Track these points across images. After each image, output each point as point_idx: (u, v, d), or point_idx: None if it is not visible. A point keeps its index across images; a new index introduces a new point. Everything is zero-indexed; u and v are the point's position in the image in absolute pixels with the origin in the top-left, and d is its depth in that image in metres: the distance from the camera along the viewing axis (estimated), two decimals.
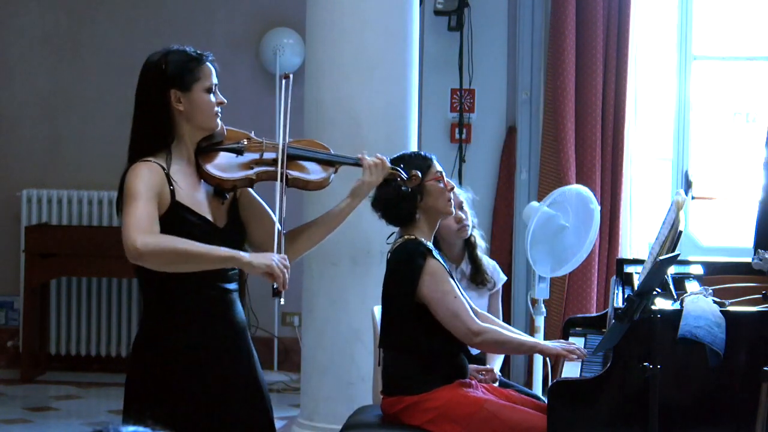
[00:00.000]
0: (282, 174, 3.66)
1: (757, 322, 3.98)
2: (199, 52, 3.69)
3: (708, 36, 7.59)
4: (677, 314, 3.87)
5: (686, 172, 7.35)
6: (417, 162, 4.43)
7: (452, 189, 4.55)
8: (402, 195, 4.28)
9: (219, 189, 3.69)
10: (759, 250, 4.54)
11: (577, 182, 7.24)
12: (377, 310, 5.07)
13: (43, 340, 7.89)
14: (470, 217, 5.21)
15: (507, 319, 6.89)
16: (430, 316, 4.39)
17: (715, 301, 4.02)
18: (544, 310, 6.23)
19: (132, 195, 3.55)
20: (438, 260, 4.43)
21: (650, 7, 7.55)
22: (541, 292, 6.16)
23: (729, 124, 7.73)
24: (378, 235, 5.86)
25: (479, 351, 4.91)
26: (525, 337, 4.69)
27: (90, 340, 7.97)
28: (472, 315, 4.41)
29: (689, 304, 3.96)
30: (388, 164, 3.89)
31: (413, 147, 6.16)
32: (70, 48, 8.06)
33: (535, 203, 6.14)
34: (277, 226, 3.66)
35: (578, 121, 7.33)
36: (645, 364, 3.70)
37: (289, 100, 3.73)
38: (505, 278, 5.50)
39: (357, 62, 5.96)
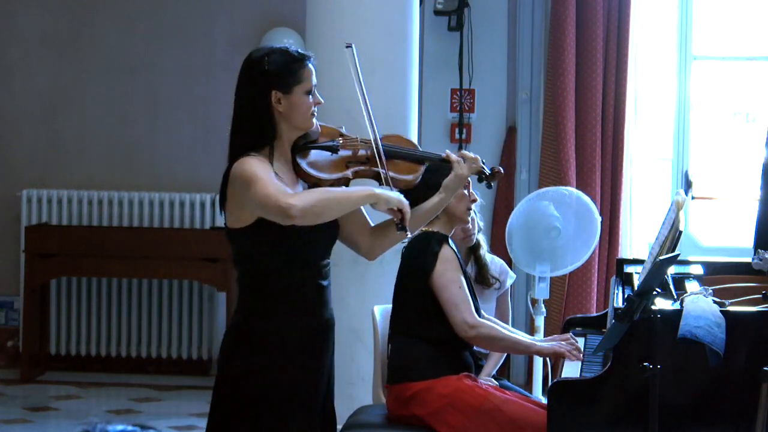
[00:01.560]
0: (385, 177, 3.74)
1: (757, 322, 3.98)
2: (301, 52, 3.75)
3: (708, 36, 7.59)
4: (677, 314, 3.87)
5: (686, 172, 7.35)
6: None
7: (474, 201, 4.65)
8: (427, 187, 4.32)
9: (316, 187, 3.73)
10: (759, 250, 4.54)
11: (577, 182, 7.25)
12: (377, 310, 5.08)
13: (43, 340, 7.89)
14: (477, 223, 5.22)
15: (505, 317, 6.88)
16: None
17: (715, 301, 4.02)
18: (544, 310, 6.23)
19: (252, 177, 3.61)
20: (453, 249, 4.54)
21: (650, 7, 7.55)
22: (541, 292, 6.16)
23: (729, 124, 7.73)
24: None
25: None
26: (522, 337, 4.71)
27: (90, 340, 7.97)
28: (472, 309, 4.47)
29: (689, 304, 3.96)
30: (479, 160, 3.92)
31: (415, 143, 6.15)
32: (70, 48, 8.06)
33: (544, 202, 6.11)
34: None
35: (578, 121, 7.33)
36: (645, 364, 3.70)
37: (360, 71, 3.81)
38: (514, 277, 5.52)
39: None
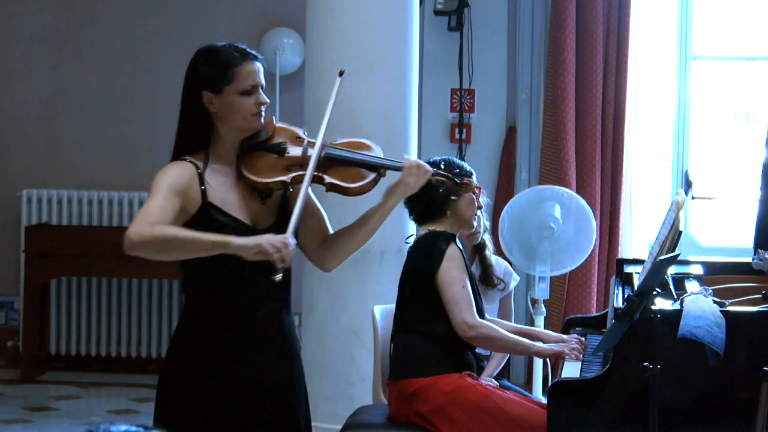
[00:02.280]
0: (309, 177, 3.50)
1: (757, 322, 3.98)
2: (241, 51, 3.58)
3: (708, 36, 7.59)
4: (677, 314, 3.87)
5: (686, 172, 7.34)
6: (463, 169, 4.56)
7: (480, 208, 4.73)
8: (437, 190, 4.31)
9: (254, 191, 3.58)
10: (759, 250, 4.54)
11: (577, 182, 7.26)
12: (377, 309, 5.09)
13: (43, 340, 7.89)
14: (483, 223, 5.23)
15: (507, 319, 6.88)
16: None
17: (715, 301, 4.02)
18: (544, 310, 6.23)
19: (152, 190, 3.51)
20: (459, 248, 4.55)
21: (650, 7, 7.55)
22: (541, 292, 6.16)
23: (729, 124, 7.73)
24: (378, 235, 5.83)
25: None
26: (522, 339, 4.69)
27: (90, 340, 7.97)
28: (473, 309, 4.48)
29: (689, 304, 3.96)
30: (430, 169, 3.64)
31: (413, 147, 6.17)
32: (70, 48, 8.06)
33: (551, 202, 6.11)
34: (291, 226, 3.48)
35: (578, 121, 7.33)
36: (645, 364, 3.70)
37: (335, 97, 3.62)
38: (518, 279, 5.53)
39: (357, 62, 5.95)
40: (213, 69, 3.55)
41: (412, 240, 4.75)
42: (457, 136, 7.59)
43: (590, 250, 6.16)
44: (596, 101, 7.30)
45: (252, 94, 3.56)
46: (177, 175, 3.54)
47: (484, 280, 5.27)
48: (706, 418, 3.96)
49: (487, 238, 5.32)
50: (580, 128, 7.33)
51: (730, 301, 4.13)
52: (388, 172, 3.63)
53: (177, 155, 3.63)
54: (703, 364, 3.81)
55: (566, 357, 4.47)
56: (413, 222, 4.83)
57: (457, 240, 4.60)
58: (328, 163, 3.56)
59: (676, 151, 7.53)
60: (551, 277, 6.26)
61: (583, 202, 6.15)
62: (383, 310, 5.09)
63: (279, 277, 3.37)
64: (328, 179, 3.55)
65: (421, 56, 6.71)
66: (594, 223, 6.14)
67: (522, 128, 7.61)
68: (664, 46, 7.59)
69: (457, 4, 7.40)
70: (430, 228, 4.62)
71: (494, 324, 4.64)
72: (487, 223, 5.32)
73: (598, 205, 7.27)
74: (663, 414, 3.74)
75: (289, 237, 3.40)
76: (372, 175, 3.58)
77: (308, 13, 6.14)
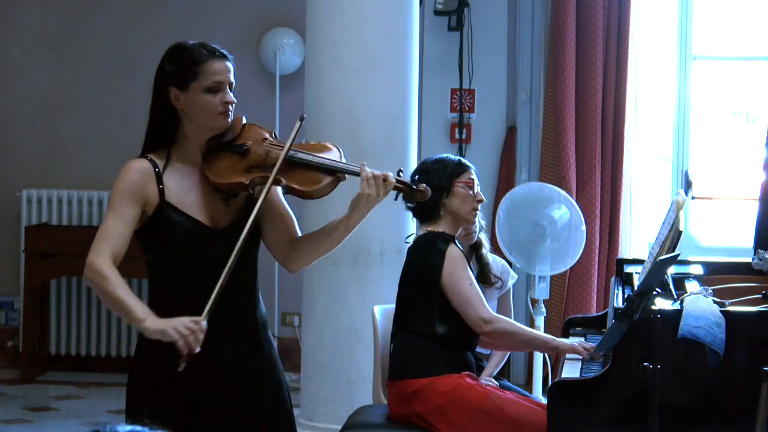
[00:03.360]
0: (270, 181, 3.48)
1: (757, 322, 3.98)
2: (208, 48, 3.58)
3: (708, 36, 7.59)
4: (677, 314, 3.87)
5: (686, 172, 7.34)
6: (451, 165, 4.60)
7: (480, 201, 4.67)
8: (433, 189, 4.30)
9: (216, 191, 3.57)
10: (759, 250, 4.54)
11: (577, 182, 7.26)
12: (377, 309, 5.08)
13: (43, 340, 7.89)
14: (479, 221, 5.21)
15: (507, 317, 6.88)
16: (448, 303, 4.48)
17: (715, 301, 4.02)
18: (544, 310, 6.23)
19: (111, 200, 3.63)
20: (458, 247, 4.55)
21: (650, 7, 7.55)
22: (541, 292, 6.16)
23: (729, 124, 7.73)
24: (378, 235, 5.87)
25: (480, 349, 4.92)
26: (538, 332, 4.70)
27: (90, 340, 7.97)
28: (486, 305, 4.49)
29: (689, 304, 3.96)
30: (392, 180, 3.54)
31: (413, 147, 6.17)
32: (70, 48, 8.06)
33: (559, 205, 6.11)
34: (245, 233, 3.47)
35: (578, 121, 7.33)
36: (645, 364, 3.70)
37: (295, 137, 3.56)
38: (516, 277, 5.52)
39: (357, 62, 5.96)
40: (179, 65, 3.56)
41: (411, 239, 4.73)
42: (457, 136, 7.59)
43: (578, 257, 6.14)
44: (596, 101, 7.30)
45: (218, 92, 3.55)
46: (133, 179, 3.58)
47: (482, 278, 5.26)
48: (706, 418, 3.96)
49: (483, 236, 5.32)
50: (580, 128, 7.33)
51: (730, 301, 4.13)
52: (351, 178, 3.60)
53: (144, 151, 3.65)
54: (703, 364, 3.81)
55: (583, 356, 4.43)
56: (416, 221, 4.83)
57: (456, 240, 4.60)
58: (287, 166, 3.53)
59: (676, 151, 7.53)
60: (551, 277, 6.26)
61: (577, 208, 6.14)
62: (383, 310, 5.09)
63: (181, 367, 3.38)
64: (285, 182, 3.53)
65: (421, 56, 6.71)
66: (584, 228, 6.11)
67: (522, 128, 7.61)
68: (664, 46, 7.59)
69: (457, 4, 7.40)
70: (428, 228, 4.61)
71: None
72: (483, 222, 5.32)
73: (598, 205, 7.27)
74: (663, 414, 3.74)
75: (202, 320, 3.38)
76: (329, 179, 3.53)
77: (308, 13, 6.15)
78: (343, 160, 3.60)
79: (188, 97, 3.54)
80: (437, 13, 7.46)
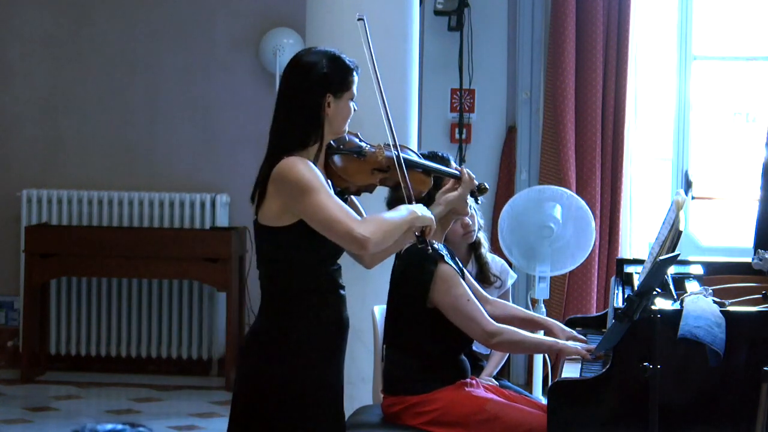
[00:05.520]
0: (407, 186, 3.81)
1: (757, 322, 3.98)
2: (353, 61, 3.86)
3: (708, 36, 7.59)
4: (677, 314, 3.87)
5: (686, 172, 7.34)
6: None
7: (485, 191, 4.60)
8: (421, 199, 4.26)
9: (343, 191, 3.82)
10: (759, 250, 4.54)
11: (577, 182, 7.26)
12: (377, 309, 5.08)
13: (43, 340, 7.88)
14: (477, 221, 5.20)
15: None
16: (439, 321, 4.40)
17: (715, 301, 4.02)
18: (544, 310, 6.23)
19: (308, 186, 3.65)
20: (449, 264, 4.42)
21: (650, 7, 7.55)
22: (541, 292, 6.16)
23: (729, 124, 7.73)
24: None
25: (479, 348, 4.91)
26: (542, 337, 4.66)
27: (90, 340, 7.97)
28: (487, 317, 4.40)
29: (689, 304, 3.96)
30: (474, 180, 4.17)
31: (413, 147, 6.16)
32: (70, 48, 8.06)
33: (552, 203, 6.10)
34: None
35: (578, 121, 7.33)
36: (645, 364, 3.70)
37: (371, 45, 3.89)
38: (515, 276, 5.51)
39: (357, 62, 5.95)
40: (339, 73, 3.79)
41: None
42: (457, 136, 7.59)
43: (589, 251, 6.16)
44: (596, 101, 7.30)
45: (354, 102, 3.85)
46: (316, 174, 3.69)
47: (481, 278, 5.26)
48: (706, 418, 3.96)
49: (482, 236, 5.31)
50: (580, 128, 7.33)
51: (730, 301, 4.13)
52: None
53: (278, 153, 3.72)
54: (703, 364, 3.82)
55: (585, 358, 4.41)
56: None
57: (446, 256, 4.44)
58: (407, 168, 3.88)
59: (676, 151, 7.54)
60: (551, 277, 6.26)
61: (583, 203, 6.15)
62: (383, 310, 5.08)
63: (429, 246, 3.89)
64: (410, 185, 3.85)
65: (421, 56, 6.71)
66: (593, 224, 6.13)
67: (522, 128, 7.61)
68: (664, 46, 7.59)
69: (457, 4, 7.40)
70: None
71: (505, 308, 4.64)
72: (482, 221, 5.31)
73: (598, 205, 7.27)
74: (663, 414, 3.74)
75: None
76: (431, 181, 4.03)
77: (308, 13, 6.14)
78: (438, 165, 4.14)
79: (339, 105, 3.80)
80: (437, 13, 7.46)
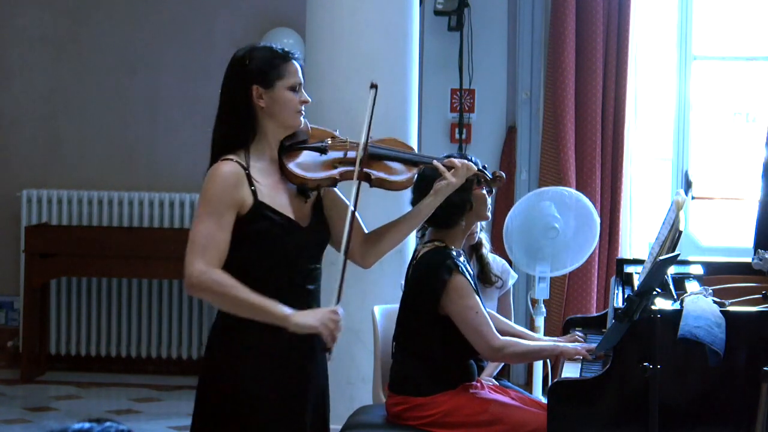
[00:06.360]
0: (359, 173, 3.62)
1: (757, 322, 3.98)
2: (285, 50, 3.68)
3: (708, 36, 7.59)
4: (677, 314, 3.87)
5: (686, 172, 7.34)
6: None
7: (490, 194, 4.61)
8: (454, 203, 4.25)
9: (302, 188, 3.65)
10: (759, 250, 4.54)
11: (577, 182, 7.25)
12: (377, 310, 5.08)
13: (43, 340, 7.89)
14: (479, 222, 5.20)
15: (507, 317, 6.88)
16: (449, 327, 4.41)
17: (715, 301, 4.02)
18: (544, 310, 6.23)
19: (204, 204, 3.55)
20: (464, 275, 4.42)
21: (650, 7, 7.55)
22: (541, 292, 6.16)
23: (729, 124, 7.73)
24: None
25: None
26: (542, 342, 4.67)
27: (90, 340, 7.97)
28: (494, 331, 4.40)
29: (689, 304, 3.96)
30: (474, 167, 3.84)
31: (413, 147, 6.16)
32: (70, 48, 8.06)
33: (546, 202, 6.10)
34: (346, 228, 3.61)
35: (578, 121, 7.33)
36: (645, 364, 3.70)
37: (374, 107, 3.74)
38: (516, 276, 5.51)
39: (357, 62, 5.95)
40: (264, 64, 3.62)
41: (420, 250, 4.55)
42: (457, 136, 7.59)
43: (595, 244, 6.13)
44: (596, 101, 7.30)
45: (296, 92, 3.65)
46: (227, 183, 3.56)
47: (482, 278, 5.26)
48: (706, 418, 3.96)
49: (483, 236, 5.31)
50: (580, 128, 7.33)
51: (730, 301, 4.13)
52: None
53: (218, 154, 3.65)
54: (703, 364, 3.82)
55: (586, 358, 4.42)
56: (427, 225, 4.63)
57: (461, 266, 4.44)
58: (372, 160, 3.69)
59: (676, 151, 7.53)
60: (551, 278, 6.25)
61: (584, 198, 6.13)
62: (383, 310, 5.09)
63: (330, 358, 3.61)
64: (375, 174, 3.68)
65: (421, 56, 6.71)
66: (596, 217, 6.11)
67: (522, 128, 7.61)
68: (664, 46, 7.59)
69: (457, 4, 7.40)
70: (440, 238, 4.50)
71: (499, 323, 4.63)
72: (483, 222, 5.31)
73: (598, 206, 7.27)
74: (663, 414, 3.74)
75: (339, 309, 3.64)
76: (414, 171, 3.73)
77: (308, 13, 6.15)
78: (419, 153, 3.83)
79: (272, 96, 3.62)
80: (437, 13, 7.46)
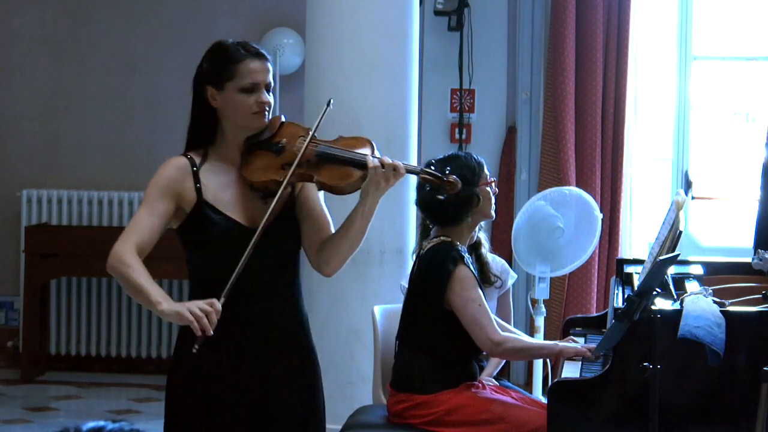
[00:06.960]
0: (288, 175, 3.49)
1: (757, 322, 3.98)
2: (245, 49, 3.59)
3: (708, 36, 7.59)
4: (677, 314, 3.87)
5: (686, 172, 7.34)
6: (471, 165, 4.49)
7: (495, 194, 4.60)
8: (461, 199, 4.24)
9: (253, 189, 3.57)
10: (759, 250, 4.54)
11: (577, 182, 7.25)
12: (377, 309, 5.08)
13: (43, 340, 7.89)
14: None
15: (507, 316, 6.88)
16: (454, 322, 4.42)
17: (715, 301, 4.02)
18: (544, 310, 6.23)
19: (146, 193, 3.60)
20: (468, 267, 4.44)
21: (650, 7, 7.55)
22: (541, 292, 6.15)
23: (729, 124, 7.73)
24: (378, 236, 5.86)
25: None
26: (542, 341, 4.70)
27: (90, 340, 7.97)
28: (494, 325, 4.41)
29: (689, 304, 3.96)
30: (403, 170, 3.53)
31: (413, 147, 6.17)
32: (70, 48, 8.06)
33: (541, 202, 6.11)
34: (268, 212, 3.50)
35: (578, 121, 7.33)
36: (645, 364, 3.70)
37: (322, 119, 3.59)
38: (515, 276, 5.51)
39: (357, 62, 5.96)
40: (216, 64, 3.61)
41: (425, 245, 4.55)
42: (457, 136, 7.59)
43: (597, 238, 6.12)
44: (596, 101, 7.30)
45: (253, 93, 3.56)
46: (168, 173, 3.60)
47: (481, 278, 5.25)
48: (706, 418, 3.96)
49: (482, 236, 5.31)
50: (580, 128, 7.33)
51: (730, 301, 4.13)
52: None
53: (187, 150, 3.65)
54: (703, 364, 3.81)
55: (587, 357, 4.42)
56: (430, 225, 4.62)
57: (466, 258, 4.47)
58: (319, 161, 3.53)
59: (676, 151, 7.53)
60: (551, 278, 6.25)
61: (583, 193, 6.11)
62: (383, 310, 5.09)
63: (195, 349, 3.40)
64: (316, 178, 3.53)
65: (421, 56, 6.71)
66: (598, 212, 6.09)
67: (522, 128, 7.61)
68: (664, 46, 7.59)
69: (457, 4, 7.40)
70: (446, 234, 4.51)
71: (513, 333, 4.63)
72: (482, 222, 5.31)
73: (598, 205, 7.26)
74: (663, 414, 3.74)
75: (217, 302, 3.37)
76: (360, 173, 3.51)
77: (308, 13, 6.15)
78: (377, 153, 3.57)
79: (224, 97, 3.57)
80: (437, 13, 7.46)
